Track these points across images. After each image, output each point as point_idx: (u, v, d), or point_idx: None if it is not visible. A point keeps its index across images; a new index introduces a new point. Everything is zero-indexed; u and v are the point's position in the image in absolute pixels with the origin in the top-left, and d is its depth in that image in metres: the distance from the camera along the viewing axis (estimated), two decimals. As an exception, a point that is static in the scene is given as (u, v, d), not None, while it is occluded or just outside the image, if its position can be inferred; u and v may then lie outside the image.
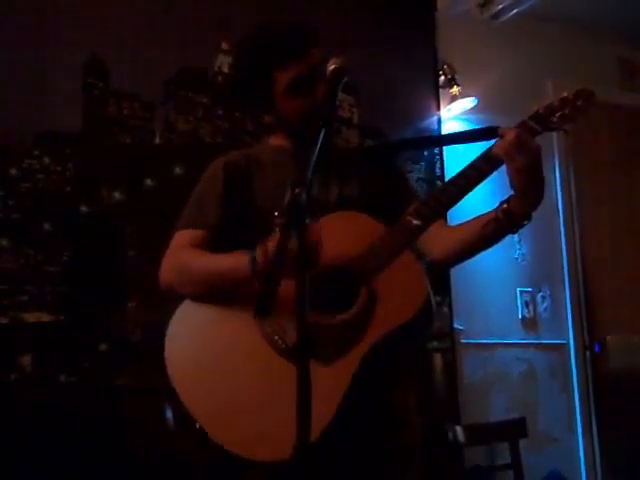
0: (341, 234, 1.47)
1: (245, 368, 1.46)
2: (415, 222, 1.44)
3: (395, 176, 1.79)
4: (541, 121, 1.44)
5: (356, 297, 1.42)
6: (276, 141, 1.74)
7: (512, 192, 1.43)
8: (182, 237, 1.62)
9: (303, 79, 1.57)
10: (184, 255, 1.58)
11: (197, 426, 1.42)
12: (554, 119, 1.44)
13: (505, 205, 1.45)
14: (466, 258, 1.60)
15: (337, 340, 1.40)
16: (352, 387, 1.37)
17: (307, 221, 1.12)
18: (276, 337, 1.45)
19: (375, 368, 1.41)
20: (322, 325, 1.39)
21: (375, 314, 1.41)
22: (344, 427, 1.34)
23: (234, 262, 1.47)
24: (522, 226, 1.46)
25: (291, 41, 1.58)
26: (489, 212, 1.49)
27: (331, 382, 1.34)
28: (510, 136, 1.39)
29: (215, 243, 1.60)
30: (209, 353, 1.50)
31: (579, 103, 1.45)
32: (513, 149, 1.38)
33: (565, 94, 1.46)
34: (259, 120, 1.71)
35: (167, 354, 1.51)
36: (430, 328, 1.51)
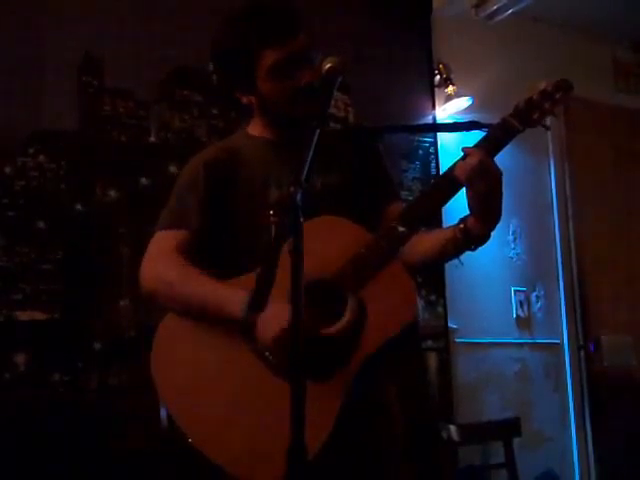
0: (324, 243, 1.40)
1: (235, 385, 1.42)
2: (401, 229, 1.40)
3: (374, 161, 1.72)
4: (522, 117, 1.41)
5: (344, 308, 1.38)
6: (255, 130, 1.67)
7: (469, 213, 1.41)
8: (165, 239, 1.56)
9: (289, 61, 1.51)
10: (170, 267, 1.52)
11: (189, 441, 1.38)
12: (535, 115, 1.41)
13: (462, 225, 1.42)
14: (426, 271, 1.56)
15: (328, 354, 1.35)
16: (344, 405, 1.35)
17: (301, 220, 1.11)
18: (267, 353, 1.40)
19: (365, 380, 1.39)
20: (311, 338, 1.32)
21: (366, 327, 1.37)
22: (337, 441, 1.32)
23: (226, 298, 1.42)
24: (480, 245, 1.43)
25: (283, 21, 1.53)
26: (448, 228, 1.46)
27: (325, 398, 1.29)
28: (473, 161, 1.35)
29: (199, 245, 1.56)
30: (197, 369, 1.46)
31: (558, 96, 1.42)
32: (475, 174, 1.35)
33: (544, 86, 1.42)
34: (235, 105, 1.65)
35: (154, 366, 1.47)
36: (417, 333, 1.49)
